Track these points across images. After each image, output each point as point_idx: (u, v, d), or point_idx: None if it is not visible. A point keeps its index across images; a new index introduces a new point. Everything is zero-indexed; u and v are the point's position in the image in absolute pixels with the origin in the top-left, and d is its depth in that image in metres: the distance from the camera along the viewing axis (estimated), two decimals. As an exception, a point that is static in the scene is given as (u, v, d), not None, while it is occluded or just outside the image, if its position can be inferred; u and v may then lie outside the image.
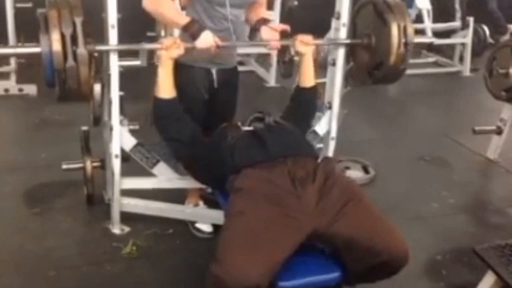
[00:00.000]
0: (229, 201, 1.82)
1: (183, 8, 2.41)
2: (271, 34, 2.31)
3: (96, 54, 2.07)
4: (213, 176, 2.08)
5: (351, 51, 2.54)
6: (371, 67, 2.42)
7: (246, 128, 2.08)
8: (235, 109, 2.57)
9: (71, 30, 1.77)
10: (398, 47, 2.29)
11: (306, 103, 2.34)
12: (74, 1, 1.85)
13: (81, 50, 1.80)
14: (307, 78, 2.32)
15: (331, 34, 2.54)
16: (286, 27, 2.32)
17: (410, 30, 2.31)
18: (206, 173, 2.13)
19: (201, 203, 2.58)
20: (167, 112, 2.09)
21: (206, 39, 2.12)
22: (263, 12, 2.45)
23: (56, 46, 1.77)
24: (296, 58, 4.18)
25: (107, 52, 2.16)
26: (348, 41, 2.49)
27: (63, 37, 1.77)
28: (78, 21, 1.78)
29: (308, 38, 2.28)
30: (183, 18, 2.16)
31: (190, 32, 2.13)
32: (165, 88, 2.08)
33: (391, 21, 2.29)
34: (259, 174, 1.79)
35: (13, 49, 1.91)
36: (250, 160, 1.86)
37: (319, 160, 1.96)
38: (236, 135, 2.02)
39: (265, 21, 2.33)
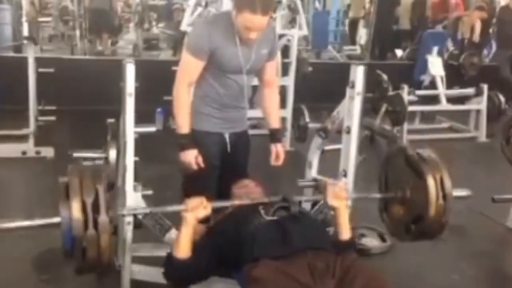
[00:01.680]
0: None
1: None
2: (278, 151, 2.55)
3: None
4: (229, 265, 2.03)
5: (384, 205, 2.41)
6: (408, 222, 2.27)
7: (270, 217, 2.02)
8: (246, 171, 2.60)
9: (92, 198, 1.76)
10: (436, 200, 2.13)
11: (346, 256, 2.15)
12: (96, 168, 1.89)
13: (103, 218, 1.77)
14: (344, 231, 2.14)
15: (345, 102, 2.55)
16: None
17: (448, 182, 2.16)
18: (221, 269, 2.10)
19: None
20: (181, 275, 2.02)
21: (185, 157, 2.33)
22: (275, 107, 2.61)
23: (77, 213, 1.75)
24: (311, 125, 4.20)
25: (123, 119, 2.19)
26: (379, 195, 2.39)
27: (84, 204, 1.75)
28: (101, 189, 1.77)
29: (340, 190, 2.16)
30: (184, 127, 2.34)
31: (180, 143, 2.35)
32: (184, 248, 2.00)
33: (427, 173, 2.15)
34: (277, 266, 1.73)
35: (31, 221, 1.92)
36: (270, 254, 1.81)
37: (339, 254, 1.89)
38: (258, 224, 1.96)
39: (274, 139, 2.55)
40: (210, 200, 2.06)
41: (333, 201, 2.12)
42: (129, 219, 2.26)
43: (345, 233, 2.12)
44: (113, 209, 1.89)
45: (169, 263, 2.02)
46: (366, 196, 2.45)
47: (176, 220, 2.38)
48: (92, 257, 1.78)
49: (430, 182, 2.13)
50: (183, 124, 2.35)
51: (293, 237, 1.87)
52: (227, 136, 2.46)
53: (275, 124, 2.58)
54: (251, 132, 2.79)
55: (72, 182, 1.79)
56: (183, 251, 1.99)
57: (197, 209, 1.98)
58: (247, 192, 2.31)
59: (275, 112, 2.60)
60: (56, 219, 1.79)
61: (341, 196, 2.14)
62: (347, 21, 10.28)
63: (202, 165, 2.35)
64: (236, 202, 2.21)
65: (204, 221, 2.12)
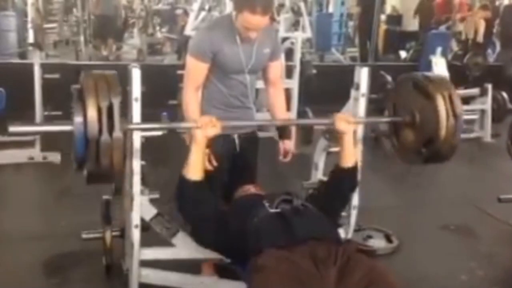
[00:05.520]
0: (249, 277, 1.79)
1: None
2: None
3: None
4: (234, 250, 2.05)
5: (394, 131, 2.39)
6: (419, 145, 2.23)
7: (273, 210, 2.04)
8: (256, 172, 2.62)
9: (107, 103, 1.72)
10: (447, 119, 2.09)
11: (347, 184, 2.25)
12: (111, 78, 1.82)
13: (117, 133, 1.73)
14: (348, 157, 2.20)
15: (350, 104, 2.56)
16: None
17: (457, 99, 2.11)
18: (227, 249, 2.11)
19: (216, 276, 2.53)
20: (194, 197, 2.02)
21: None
22: (281, 104, 2.60)
23: (92, 114, 1.71)
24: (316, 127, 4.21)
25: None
26: (388, 119, 2.38)
27: (99, 108, 1.72)
28: (116, 101, 1.74)
29: (348, 116, 2.22)
30: None
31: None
32: (196, 168, 2.01)
33: (435, 92, 2.11)
34: (280, 254, 1.77)
35: (42, 127, 1.86)
36: (273, 244, 1.84)
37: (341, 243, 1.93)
38: (262, 216, 1.99)
39: (282, 136, 2.55)
40: (216, 200, 2.08)
41: (341, 124, 2.16)
42: (137, 222, 2.27)
43: (349, 160, 2.18)
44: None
45: (180, 183, 2.01)
46: (376, 121, 2.41)
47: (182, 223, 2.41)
48: (105, 163, 1.74)
49: (440, 101, 2.09)
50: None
51: (296, 228, 1.90)
52: (235, 136, 2.49)
53: (284, 113, 2.59)
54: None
55: (87, 85, 1.76)
56: (195, 172, 2.00)
57: (207, 126, 1.98)
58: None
59: (281, 110, 2.61)
60: (68, 127, 1.77)
61: (349, 120, 2.18)
62: (350, 23, 10.30)
63: (215, 164, 2.34)
64: (246, 123, 2.33)
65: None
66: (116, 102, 1.75)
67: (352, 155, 2.21)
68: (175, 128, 2.27)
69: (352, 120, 2.20)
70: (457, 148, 2.19)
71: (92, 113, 1.72)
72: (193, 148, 2.01)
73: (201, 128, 1.99)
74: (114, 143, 1.73)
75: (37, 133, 1.89)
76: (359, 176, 2.39)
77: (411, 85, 2.27)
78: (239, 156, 2.51)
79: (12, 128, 1.79)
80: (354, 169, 2.22)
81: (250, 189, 2.36)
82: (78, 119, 1.74)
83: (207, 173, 2.32)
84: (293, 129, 4.87)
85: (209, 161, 2.34)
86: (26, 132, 1.82)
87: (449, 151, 2.19)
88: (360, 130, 2.43)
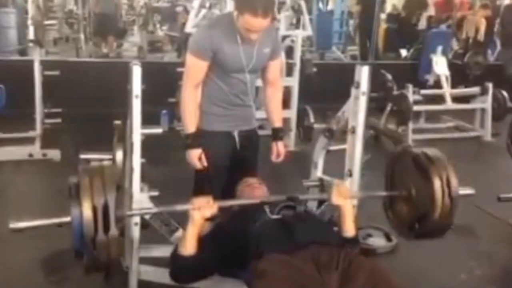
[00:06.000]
0: (250, 282, 1.80)
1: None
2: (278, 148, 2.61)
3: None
4: (235, 258, 2.04)
5: (389, 202, 2.41)
6: (413, 220, 2.27)
7: (274, 216, 2.04)
8: (256, 170, 2.63)
9: (102, 202, 1.77)
10: (442, 199, 2.12)
11: (349, 248, 2.15)
12: (108, 171, 1.86)
13: (113, 231, 1.78)
14: (348, 228, 2.16)
15: (350, 102, 2.56)
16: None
17: (454, 181, 2.15)
18: (227, 259, 2.10)
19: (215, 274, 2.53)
20: (187, 272, 2.04)
21: (189, 157, 2.39)
22: (277, 104, 2.62)
23: (87, 214, 1.75)
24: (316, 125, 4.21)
25: (130, 121, 2.21)
26: (385, 193, 2.39)
27: (94, 208, 1.77)
28: (111, 199, 1.77)
29: (344, 190, 2.21)
30: (189, 127, 2.38)
31: (185, 143, 2.38)
32: (190, 245, 2.01)
33: (433, 172, 2.14)
34: (282, 258, 1.77)
35: (42, 221, 1.93)
36: (275, 249, 1.84)
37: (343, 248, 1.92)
38: (264, 222, 1.99)
39: (275, 137, 2.61)
40: (216, 199, 2.08)
41: (337, 200, 2.14)
42: (136, 220, 2.28)
43: (349, 231, 2.15)
44: (121, 209, 1.90)
45: (175, 262, 2.04)
46: (372, 195, 2.44)
47: (182, 220, 2.40)
48: (101, 259, 1.80)
49: (436, 181, 2.13)
50: (189, 124, 2.38)
51: (298, 234, 1.90)
52: (236, 134, 2.50)
53: (277, 123, 2.62)
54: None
55: (83, 182, 1.81)
56: (189, 249, 2.01)
57: (204, 208, 1.99)
58: (251, 191, 2.33)
59: (277, 111, 2.63)
60: (66, 219, 1.82)
61: (345, 194, 2.16)
62: (351, 22, 10.28)
63: (205, 164, 2.37)
64: (243, 201, 2.23)
65: (210, 218, 2.14)
66: (112, 200, 1.79)
67: (351, 225, 2.17)
68: (171, 210, 2.24)
69: (347, 194, 2.20)
70: (450, 227, 2.23)
71: (87, 213, 1.77)
72: (189, 227, 2.02)
73: (198, 210, 2.00)
74: (110, 241, 1.79)
75: (38, 227, 1.96)
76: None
77: (410, 159, 2.29)
78: (239, 154, 2.51)
79: (12, 225, 1.86)
80: (355, 237, 2.19)
81: (252, 183, 2.35)
82: (75, 216, 1.79)
83: (206, 171, 2.33)
84: (293, 128, 4.92)
85: (199, 159, 2.34)
86: (27, 227, 1.87)
87: (441, 230, 2.23)
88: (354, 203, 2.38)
